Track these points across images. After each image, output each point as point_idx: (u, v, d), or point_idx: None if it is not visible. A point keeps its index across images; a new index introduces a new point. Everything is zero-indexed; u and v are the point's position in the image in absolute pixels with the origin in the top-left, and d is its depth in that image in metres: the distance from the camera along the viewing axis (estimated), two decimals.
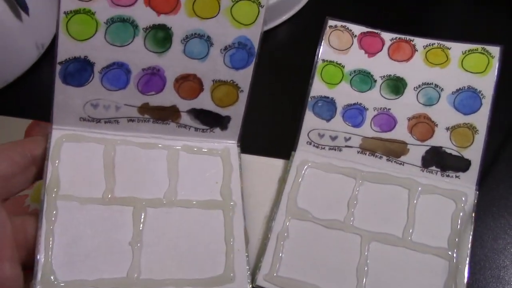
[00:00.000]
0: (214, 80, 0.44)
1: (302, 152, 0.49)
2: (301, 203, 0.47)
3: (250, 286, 0.42)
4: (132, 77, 0.42)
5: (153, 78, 0.43)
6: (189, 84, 0.44)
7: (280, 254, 0.45)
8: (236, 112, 0.46)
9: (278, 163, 0.50)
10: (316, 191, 0.47)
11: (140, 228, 0.41)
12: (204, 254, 0.42)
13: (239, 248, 0.43)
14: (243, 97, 0.45)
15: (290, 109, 0.53)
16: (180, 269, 0.41)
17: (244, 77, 0.44)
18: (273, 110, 0.55)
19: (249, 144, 0.48)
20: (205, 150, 0.46)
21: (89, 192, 0.41)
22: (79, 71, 0.41)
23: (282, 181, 0.48)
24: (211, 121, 0.46)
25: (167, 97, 0.44)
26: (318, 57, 0.50)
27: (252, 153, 0.50)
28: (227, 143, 0.46)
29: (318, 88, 0.49)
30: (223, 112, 0.45)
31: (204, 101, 0.45)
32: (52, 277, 0.38)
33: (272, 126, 0.54)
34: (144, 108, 0.44)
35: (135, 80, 0.42)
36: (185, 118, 0.45)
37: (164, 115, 0.44)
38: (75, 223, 0.40)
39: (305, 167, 0.48)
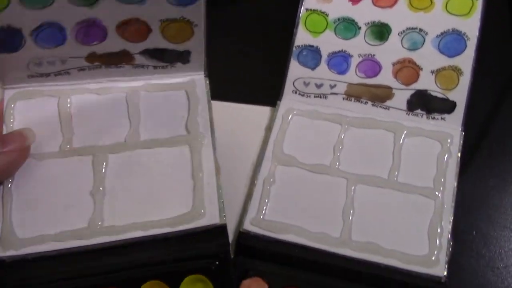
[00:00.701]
0: (161, 20, 0.42)
1: (288, 100, 0.49)
2: (287, 150, 0.47)
3: (224, 217, 0.41)
4: (68, 32, 0.41)
5: (91, 29, 0.42)
6: (133, 28, 0.42)
7: (267, 199, 0.45)
8: (195, 46, 0.44)
9: (265, 110, 0.50)
10: (302, 138, 0.48)
11: (102, 176, 0.41)
12: (170, 194, 0.41)
13: (209, 181, 0.42)
14: (199, 31, 0.44)
15: (276, 59, 0.53)
16: (146, 212, 0.40)
17: (194, 12, 0.42)
18: (260, 60, 0.55)
19: (236, 92, 0.48)
20: (168, 84, 0.45)
21: (46, 147, 0.41)
22: (7, 39, 0.40)
23: (268, 129, 0.49)
24: (169, 57, 0.45)
25: (113, 43, 0.43)
26: (301, 6, 0.50)
27: (239, 101, 0.50)
28: (192, 75, 0.46)
29: (302, 37, 0.49)
30: (179, 47, 0.44)
31: (156, 41, 0.43)
32: (12, 236, 0.38)
33: (258, 75, 0.54)
34: (92, 57, 0.43)
35: (73, 34, 0.42)
36: (140, 59, 0.44)
37: (116, 60, 0.43)
38: (33, 180, 0.40)
39: (291, 115, 0.48)
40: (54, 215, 0.39)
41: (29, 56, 0.42)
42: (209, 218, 0.41)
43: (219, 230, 0.40)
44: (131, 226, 0.40)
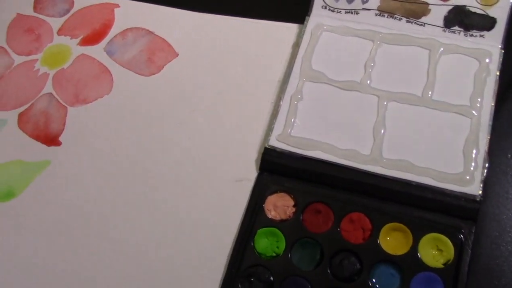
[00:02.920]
0: None
1: (317, 16, 0.47)
2: (316, 66, 0.45)
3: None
4: None
5: None
6: None
7: (294, 116, 0.43)
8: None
9: (292, 27, 0.48)
10: (331, 54, 0.45)
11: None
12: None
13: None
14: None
15: None
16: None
17: None
18: None
19: (262, 8, 0.46)
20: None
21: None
22: None
23: (296, 45, 0.46)
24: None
25: None
26: None
27: (266, 18, 0.48)
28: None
29: None
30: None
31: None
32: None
33: None
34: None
35: None
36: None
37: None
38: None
39: (320, 30, 0.46)
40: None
41: None
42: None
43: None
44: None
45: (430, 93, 0.43)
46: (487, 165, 0.40)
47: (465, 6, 0.45)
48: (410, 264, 0.38)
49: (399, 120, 0.42)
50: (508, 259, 0.40)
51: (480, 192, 0.40)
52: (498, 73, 0.43)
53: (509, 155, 0.44)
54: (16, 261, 0.42)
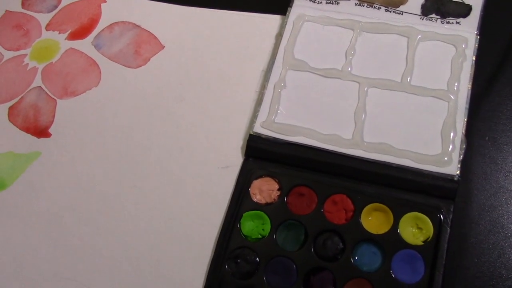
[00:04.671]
0: None
1: (299, 7, 0.48)
2: (298, 55, 0.46)
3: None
4: None
5: None
6: None
7: (277, 103, 0.45)
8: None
9: (275, 19, 0.49)
10: (313, 43, 0.47)
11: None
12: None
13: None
14: None
15: None
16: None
17: None
18: None
19: (247, 2, 0.47)
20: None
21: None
22: None
23: (279, 35, 0.48)
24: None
25: None
26: None
27: (249, 10, 0.49)
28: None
29: None
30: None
31: None
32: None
33: None
34: None
35: None
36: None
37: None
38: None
39: (302, 21, 0.47)
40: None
41: None
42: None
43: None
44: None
45: (409, 78, 0.44)
46: (464, 146, 0.42)
47: None
48: (391, 242, 0.39)
49: (379, 105, 0.44)
50: (488, 237, 0.42)
51: (458, 172, 0.41)
52: (474, 58, 0.44)
53: (487, 138, 0.45)
54: (7, 252, 0.43)
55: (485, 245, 0.42)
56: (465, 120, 0.43)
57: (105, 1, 0.55)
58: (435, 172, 0.41)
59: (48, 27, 0.54)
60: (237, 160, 0.44)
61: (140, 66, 0.50)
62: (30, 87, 0.51)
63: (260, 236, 0.41)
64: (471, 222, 0.42)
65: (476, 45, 0.45)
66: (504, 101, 0.46)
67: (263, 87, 0.46)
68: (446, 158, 0.41)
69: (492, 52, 0.47)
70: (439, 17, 0.46)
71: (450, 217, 0.40)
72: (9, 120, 0.49)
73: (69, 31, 0.53)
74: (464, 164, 0.42)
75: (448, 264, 0.39)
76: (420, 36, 0.46)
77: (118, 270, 0.41)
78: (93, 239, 0.43)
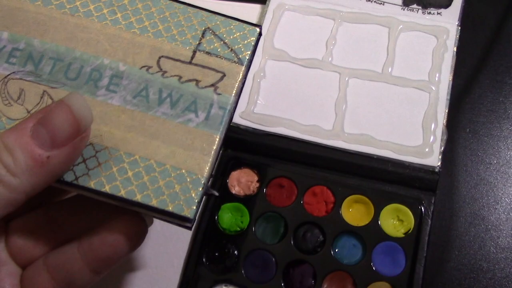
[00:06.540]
0: None
1: None
2: (278, 44, 0.45)
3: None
4: None
5: None
6: None
7: (257, 93, 0.44)
8: None
9: (255, 8, 0.48)
10: (293, 33, 0.46)
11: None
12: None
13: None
14: None
15: None
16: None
17: None
18: None
19: None
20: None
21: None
22: None
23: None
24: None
25: None
26: None
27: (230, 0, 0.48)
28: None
29: None
30: None
31: None
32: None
33: None
34: None
35: None
36: None
37: None
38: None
39: (282, 10, 0.46)
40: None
41: None
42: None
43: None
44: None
45: (390, 69, 0.44)
46: (445, 137, 0.41)
47: None
48: (371, 234, 0.39)
49: (360, 96, 0.43)
50: (468, 230, 0.42)
51: (439, 163, 0.41)
52: (455, 49, 0.44)
53: (468, 130, 0.45)
54: None
55: (466, 237, 0.41)
56: (446, 111, 0.42)
57: None
58: (416, 163, 0.40)
59: None
60: None
61: None
62: None
63: (238, 229, 0.40)
64: (452, 214, 0.42)
65: (457, 36, 0.44)
66: (485, 92, 0.46)
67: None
68: (427, 150, 0.41)
69: (473, 43, 0.47)
70: (420, 7, 0.46)
71: (431, 209, 0.40)
72: None
73: None
74: (445, 156, 0.42)
75: (429, 256, 0.39)
76: (401, 26, 0.45)
77: None
78: None
